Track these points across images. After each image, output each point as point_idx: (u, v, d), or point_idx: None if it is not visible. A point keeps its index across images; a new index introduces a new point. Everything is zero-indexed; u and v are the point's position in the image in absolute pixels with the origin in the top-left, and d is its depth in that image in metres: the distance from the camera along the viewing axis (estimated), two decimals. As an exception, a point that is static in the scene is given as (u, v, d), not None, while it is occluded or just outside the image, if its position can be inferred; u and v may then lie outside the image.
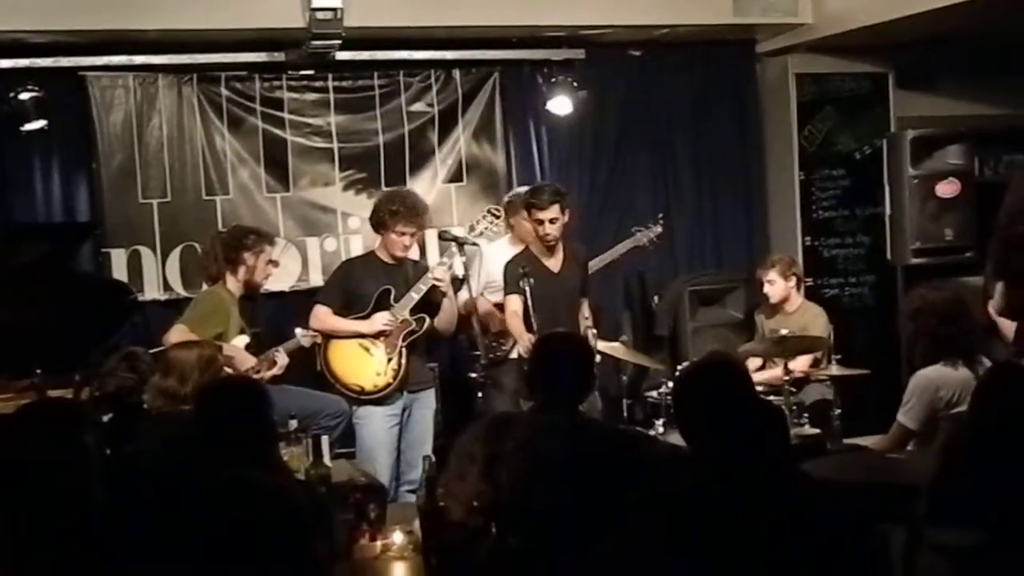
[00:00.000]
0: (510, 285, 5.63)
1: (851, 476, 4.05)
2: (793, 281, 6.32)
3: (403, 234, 5.60)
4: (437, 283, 5.62)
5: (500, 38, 6.82)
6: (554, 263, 5.77)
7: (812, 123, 7.40)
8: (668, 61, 7.31)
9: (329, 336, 5.67)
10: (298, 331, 5.64)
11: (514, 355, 5.70)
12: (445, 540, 3.23)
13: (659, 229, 6.42)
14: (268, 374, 5.45)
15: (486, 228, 5.87)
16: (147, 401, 4.44)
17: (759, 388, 5.45)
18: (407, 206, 5.58)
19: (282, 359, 5.53)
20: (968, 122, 7.24)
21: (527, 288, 5.44)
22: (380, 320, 5.58)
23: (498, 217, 5.87)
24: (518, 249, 5.83)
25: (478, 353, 5.71)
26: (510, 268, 5.66)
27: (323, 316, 5.67)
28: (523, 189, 6.26)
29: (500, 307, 5.76)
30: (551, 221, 5.62)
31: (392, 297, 5.63)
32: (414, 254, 6.02)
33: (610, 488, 3.09)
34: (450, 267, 5.72)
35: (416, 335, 5.67)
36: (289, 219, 6.67)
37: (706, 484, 2.72)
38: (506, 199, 6.32)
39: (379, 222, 5.66)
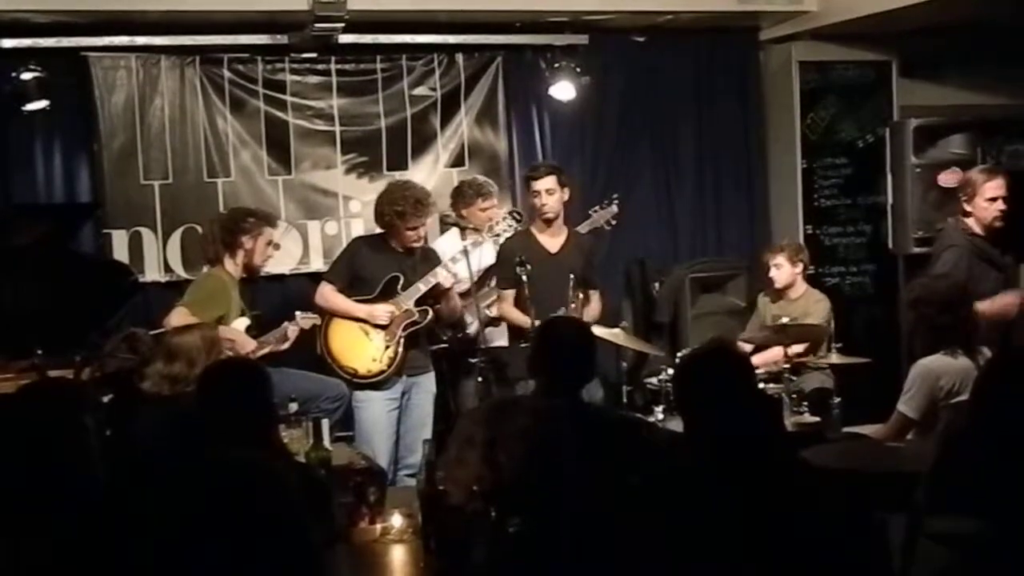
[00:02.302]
0: (505, 275, 5.63)
1: (851, 464, 4.05)
2: (800, 267, 6.29)
3: (415, 228, 5.58)
4: (442, 282, 5.61)
5: (503, 23, 6.80)
6: (552, 243, 5.76)
7: (815, 111, 7.39)
8: (672, 47, 7.29)
9: (331, 315, 5.67)
10: (298, 314, 5.63)
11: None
12: (444, 524, 3.23)
13: (615, 209, 6.29)
14: (283, 347, 5.50)
15: (505, 230, 5.79)
16: (148, 387, 4.43)
17: (757, 373, 5.46)
18: (411, 203, 5.51)
19: (294, 330, 5.54)
20: (971, 111, 7.21)
21: (524, 277, 5.43)
22: (382, 313, 5.56)
23: (518, 220, 5.82)
24: (470, 241, 5.79)
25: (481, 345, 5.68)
26: (506, 256, 5.65)
27: (327, 294, 5.67)
28: (478, 179, 6.32)
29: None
30: (548, 191, 5.64)
31: (400, 285, 5.62)
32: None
33: (610, 473, 3.09)
34: (456, 273, 5.67)
35: (418, 327, 5.65)
36: (290, 202, 6.66)
37: (705, 470, 2.72)
38: (454, 188, 6.35)
39: (387, 224, 5.62)
